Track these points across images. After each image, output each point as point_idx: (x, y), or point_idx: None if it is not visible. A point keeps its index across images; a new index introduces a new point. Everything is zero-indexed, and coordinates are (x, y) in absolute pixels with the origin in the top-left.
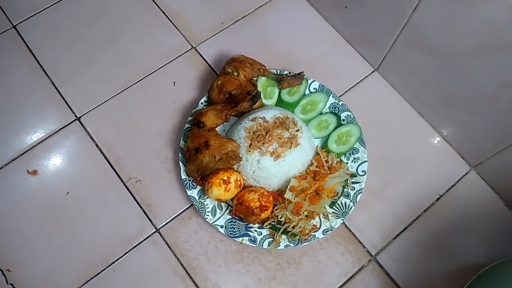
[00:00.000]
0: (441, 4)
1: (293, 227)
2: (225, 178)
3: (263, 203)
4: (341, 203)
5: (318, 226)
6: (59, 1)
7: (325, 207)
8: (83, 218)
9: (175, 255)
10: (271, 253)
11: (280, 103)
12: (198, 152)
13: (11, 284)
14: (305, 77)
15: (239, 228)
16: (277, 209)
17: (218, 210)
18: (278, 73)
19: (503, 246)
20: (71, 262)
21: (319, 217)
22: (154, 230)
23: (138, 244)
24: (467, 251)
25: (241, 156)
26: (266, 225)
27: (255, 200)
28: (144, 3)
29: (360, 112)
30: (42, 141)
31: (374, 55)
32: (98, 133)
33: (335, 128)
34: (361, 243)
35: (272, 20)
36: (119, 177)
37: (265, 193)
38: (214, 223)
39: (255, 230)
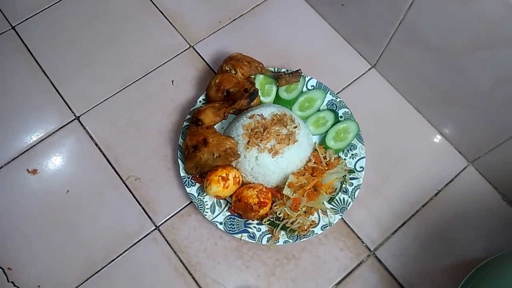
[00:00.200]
0: (437, 0)
1: (292, 223)
2: (224, 175)
3: (262, 200)
4: (340, 199)
5: (317, 222)
6: (57, 2)
7: (323, 203)
8: (83, 216)
9: (174, 252)
10: (270, 249)
11: (278, 100)
12: (197, 149)
13: (12, 282)
14: (302, 74)
15: (238, 225)
16: (275, 205)
17: (217, 207)
18: (276, 71)
19: (501, 241)
20: (71, 260)
21: (318, 213)
22: (154, 227)
23: (138, 241)
24: (465, 245)
25: (239, 153)
26: (265, 221)
27: (253, 196)
28: (142, 3)
29: (357, 109)
30: (42, 140)
31: (371, 52)
32: (97, 132)
33: (333, 125)
34: (359, 238)
35: (269, 19)
36: (118, 175)
37: (264, 189)
38: (213, 220)
39: (254, 227)
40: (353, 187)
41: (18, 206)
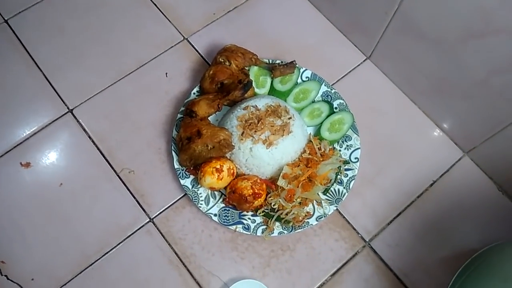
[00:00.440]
0: None
1: (287, 214)
2: (218, 166)
3: (256, 191)
4: (335, 190)
5: (312, 213)
6: None
7: (318, 194)
8: (77, 209)
9: (169, 244)
10: (265, 241)
11: (272, 92)
12: (191, 141)
13: (6, 276)
14: (297, 66)
15: (232, 216)
16: (270, 197)
17: (211, 199)
18: (270, 62)
19: (497, 231)
20: (65, 253)
21: (313, 204)
22: (148, 220)
23: (132, 234)
24: (460, 236)
25: (233, 144)
26: (260, 213)
27: (248, 187)
28: None
29: (353, 100)
30: (35, 133)
31: (366, 43)
32: (91, 125)
33: (328, 116)
34: (355, 229)
35: (264, 10)
36: (112, 168)
37: (258, 180)
38: (207, 212)
39: (249, 218)
40: (348, 178)
41: (11, 199)
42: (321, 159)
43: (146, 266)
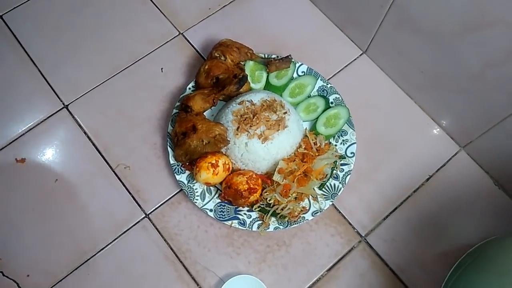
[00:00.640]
0: None
1: (282, 209)
2: (213, 161)
3: (252, 186)
4: (330, 185)
5: (307, 208)
6: None
7: (314, 189)
8: (72, 205)
9: (165, 240)
10: (261, 236)
11: (268, 86)
12: (186, 136)
13: (1, 272)
14: (293, 60)
15: (228, 212)
16: (266, 192)
17: (207, 194)
18: (266, 57)
19: (493, 225)
20: (60, 249)
21: (308, 199)
22: (144, 215)
23: (128, 229)
24: (457, 230)
25: (228, 139)
26: (256, 208)
27: (243, 183)
28: None
29: (349, 95)
30: (31, 129)
31: (362, 37)
32: (86, 121)
33: (324, 111)
34: (350, 224)
35: (260, 5)
36: (107, 164)
37: (254, 176)
38: (203, 207)
39: (245, 213)
40: (344, 173)
41: (6, 195)
42: (316, 154)
43: (142, 262)
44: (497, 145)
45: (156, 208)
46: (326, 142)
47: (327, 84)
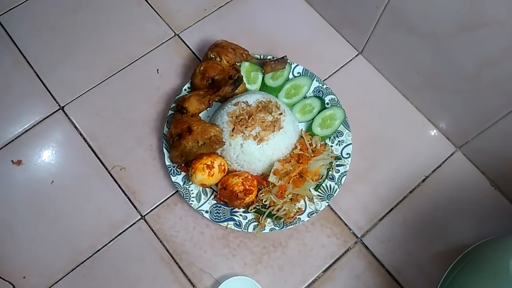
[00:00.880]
0: None
1: (278, 210)
2: (209, 163)
3: (247, 187)
4: (326, 185)
5: (303, 209)
6: None
7: (309, 190)
8: (68, 206)
9: (160, 242)
10: (257, 237)
11: (264, 87)
12: (181, 137)
13: None
14: (288, 61)
15: (224, 213)
16: (261, 193)
17: (203, 196)
18: (262, 57)
19: (490, 226)
20: (56, 251)
21: (304, 200)
22: (139, 217)
23: (124, 231)
24: (453, 231)
25: (224, 140)
26: (251, 209)
27: (239, 184)
28: None
29: (344, 96)
30: (26, 131)
31: (357, 38)
32: (82, 122)
33: (319, 112)
34: (346, 225)
35: (255, 6)
36: (103, 165)
37: (249, 177)
38: (199, 209)
39: (240, 215)
40: (339, 173)
41: (2, 197)
42: (312, 155)
43: (138, 264)
44: (493, 145)
45: (152, 210)
46: (321, 143)
47: (323, 85)
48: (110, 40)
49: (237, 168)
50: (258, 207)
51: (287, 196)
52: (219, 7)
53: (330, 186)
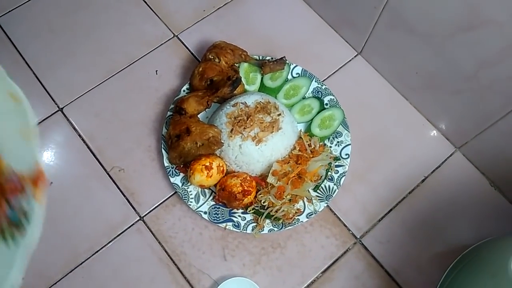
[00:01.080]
0: None
1: (277, 211)
2: (207, 164)
3: (246, 188)
4: (325, 186)
5: (302, 210)
6: None
7: (308, 191)
8: (67, 208)
9: (159, 243)
10: (256, 238)
11: (262, 88)
12: (180, 139)
13: None
14: (287, 62)
15: (222, 214)
16: (260, 194)
17: (201, 197)
18: (260, 58)
19: (489, 227)
20: (55, 252)
21: (303, 201)
22: (138, 218)
23: (122, 232)
24: (452, 232)
25: (222, 141)
26: (250, 210)
27: (237, 185)
28: None
29: (344, 96)
30: None
31: (356, 38)
32: (81, 124)
33: (318, 112)
34: (345, 226)
35: (254, 7)
36: (102, 166)
37: (248, 178)
38: (197, 210)
39: (239, 216)
40: (338, 174)
41: None
42: (311, 156)
43: (136, 265)
44: (492, 145)
45: (150, 211)
46: (320, 143)
47: (322, 85)
48: (108, 41)
49: (236, 169)
50: (256, 208)
51: (285, 197)
52: (218, 8)
53: (329, 186)
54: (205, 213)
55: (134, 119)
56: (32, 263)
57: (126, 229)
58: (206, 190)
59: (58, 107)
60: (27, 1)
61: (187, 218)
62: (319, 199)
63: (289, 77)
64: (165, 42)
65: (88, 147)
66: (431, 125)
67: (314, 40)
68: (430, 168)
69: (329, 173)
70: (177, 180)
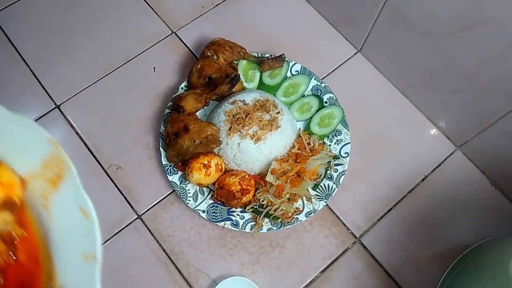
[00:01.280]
0: None
1: (275, 210)
2: (206, 162)
3: (244, 187)
4: (324, 185)
5: (301, 209)
6: None
7: (307, 190)
8: None
9: (157, 241)
10: (254, 237)
11: (261, 86)
12: (178, 136)
13: None
14: (286, 59)
15: (221, 213)
16: (259, 193)
17: (199, 195)
18: (259, 56)
19: (489, 226)
20: None
21: (302, 199)
22: (136, 216)
23: (120, 231)
24: (452, 231)
25: (221, 139)
26: (249, 209)
27: (236, 183)
28: None
29: (343, 94)
30: None
31: (356, 36)
32: (78, 121)
33: (318, 110)
34: (345, 225)
35: (253, 3)
36: (99, 164)
37: (246, 176)
38: (196, 208)
39: (238, 214)
40: (338, 173)
41: None
42: (310, 154)
43: (134, 264)
44: (493, 144)
45: (148, 209)
46: (320, 142)
47: (321, 83)
48: (106, 38)
49: (234, 168)
50: (255, 206)
51: (284, 195)
52: (217, 5)
53: (328, 185)
54: (203, 211)
55: (131, 116)
56: None
57: (124, 227)
58: (204, 189)
59: (55, 104)
60: None
61: (185, 217)
62: (318, 198)
63: (288, 74)
64: (163, 39)
65: (86, 145)
66: (431, 124)
67: (314, 37)
68: (430, 167)
69: (328, 171)
70: (175, 178)
